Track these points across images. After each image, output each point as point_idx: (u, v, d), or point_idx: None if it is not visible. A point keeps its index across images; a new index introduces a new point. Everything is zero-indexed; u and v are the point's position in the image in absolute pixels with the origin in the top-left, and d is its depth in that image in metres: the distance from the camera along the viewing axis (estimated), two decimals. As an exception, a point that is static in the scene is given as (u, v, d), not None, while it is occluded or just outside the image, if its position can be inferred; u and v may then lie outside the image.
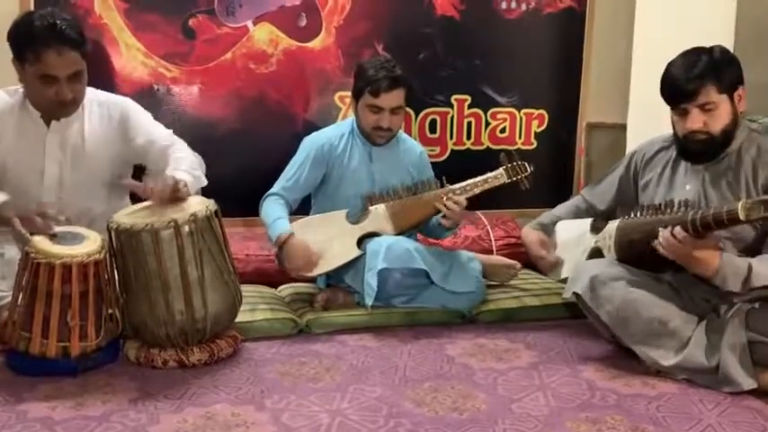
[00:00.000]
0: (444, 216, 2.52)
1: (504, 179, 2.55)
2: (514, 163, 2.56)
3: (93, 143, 2.30)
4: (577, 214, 2.52)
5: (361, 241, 2.53)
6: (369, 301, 2.42)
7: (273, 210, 2.56)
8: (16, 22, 2.17)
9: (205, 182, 2.33)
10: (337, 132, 2.68)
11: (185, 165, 2.26)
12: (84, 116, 2.30)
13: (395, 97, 2.54)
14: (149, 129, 2.37)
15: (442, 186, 2.58)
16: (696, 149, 2.15)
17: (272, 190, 2.62)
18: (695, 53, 2.13)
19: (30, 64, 2.12)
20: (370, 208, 2.57)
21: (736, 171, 2.13)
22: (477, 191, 2.55)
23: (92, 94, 2.32)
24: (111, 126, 2.34)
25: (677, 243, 1.99)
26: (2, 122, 2.23)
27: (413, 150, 2.75)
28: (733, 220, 1.89)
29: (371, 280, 2.40)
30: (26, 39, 2.10)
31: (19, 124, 2.25)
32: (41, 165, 2.26)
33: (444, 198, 2.52)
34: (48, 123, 2.26)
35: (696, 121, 2.11)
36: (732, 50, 2.23)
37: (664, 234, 2.02)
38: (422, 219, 2.60)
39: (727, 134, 2.12)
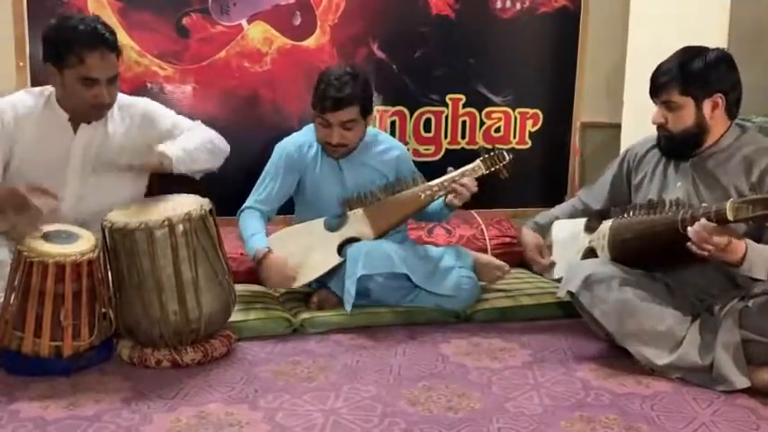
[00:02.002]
0: (453, 198, 2.48)
1: (483, 170, 2.52)
2: (492, 153, 2.54)
3: (115, 145, 2.30)
4: (574, 215, 2.52)
5: (341, 248, 2.50)
6: (348, 308, 2.40)
7: (250, 225, 2.53)
8: (56, 26, 2.17)
9: (205, 165, 2.35)
10: (306, 140, 2.62)
11: (183, 141, 2.27)
12: (108, 120, 2.30)
13: (341, 115, 2.46)
14: (172, 123, 2.40)
15: (420, 183, 2.55)
16: (662, 144, 2.25)
17: (246, 204, 2.59)
18: (681, 53, 2.17)
19: (70, 67, 2.13)
20: (348, 213, 2.54)
21: (725, 169, 2.14)
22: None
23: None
24: (134, 125, 2.34)
25: (710, 236, 1.93)
26: (23, 124, 2.21)
27: (387, 153, 2.65)
28: (721, 219, 1.90)
29: (351, 287, 2.38)
30: (69, 42, 2.11)
31: (42, 126, 2.23)
32: (64, 167, 2.25)
33: (424, 194, 2.51)
34: (74, 127, 2.25)
35: (657, 116, 2.20)
36: (726, 50, 2.23)
37: (695, 228, 1.96)
38: (401, 219, 2.58)
39: (689, 137, 2.15)
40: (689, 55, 2.15)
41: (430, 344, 2.35)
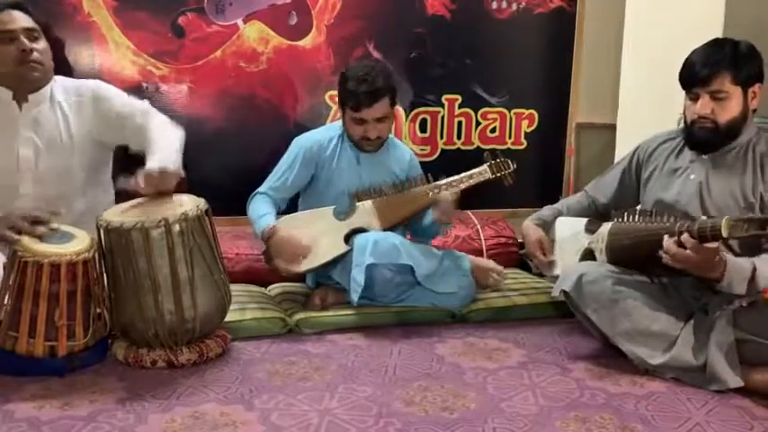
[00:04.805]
0: (436, 210, 2.54)
1: (489, 175, 2.59)
2: (498, 159, 2.60)
3: (67, 125, 2.30)
4: (580, 210, 2.52)
5: (348, 237, 2.53)
6: (355, 297, 2.41)
7: (260, 207, 2.57)
8: None
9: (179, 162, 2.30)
10: (326, 135, 2.68)
11: (168, 144, 2.25)
12: (56, 97, 2.30)
13: (377, 110, 2.53)
14: (123, 102, 2.37)
15: (428, 183, 2.61)
16: (701, 137, 2.16)
17: (259, 189, 2.63)
18: (720, 42, 2.15)
19: None
20: (357, 204, 2.59)
21: (743, 165, 2.14)
22: (462, 186, 2.58)
23: (60, 80, 2.33)
24: (84, 105, 2.34)
25: (683, 250, 1.96)
26: None
27: (402, 155, 2.76)
28: (716, 236, 1.89)
29: (358, 276, 2.40)
30: None
31: None
32: (15, 148, 2.25)
33: (432, 192, 2.55)
34: (20, 105, 2.25)
35: (705, 106, 2.11)
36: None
37: (668, 243, 1.99)
38: (409, 214, 2.61)
39: (734, 127, 2.13)
40: (731, 44, 2.11)
41: (425, 344, 2.35)
